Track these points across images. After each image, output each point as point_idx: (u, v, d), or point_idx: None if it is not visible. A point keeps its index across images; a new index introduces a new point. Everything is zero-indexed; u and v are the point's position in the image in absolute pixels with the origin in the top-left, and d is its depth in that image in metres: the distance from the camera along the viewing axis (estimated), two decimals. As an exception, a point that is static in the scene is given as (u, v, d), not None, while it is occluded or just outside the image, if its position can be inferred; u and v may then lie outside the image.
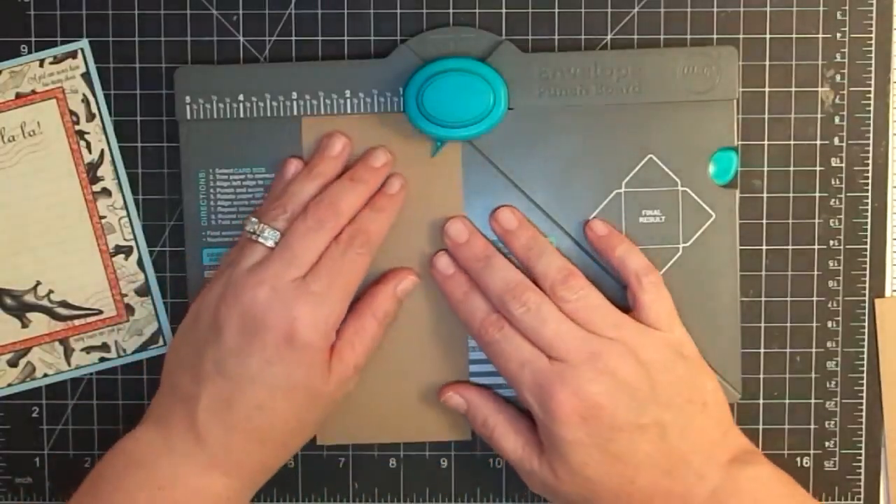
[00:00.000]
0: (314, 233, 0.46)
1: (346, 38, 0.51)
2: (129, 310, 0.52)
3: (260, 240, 0.46)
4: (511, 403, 0.50)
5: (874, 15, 0.51)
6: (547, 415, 0.45)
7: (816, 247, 0.52)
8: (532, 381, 0.45)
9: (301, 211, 0.47)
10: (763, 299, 0.52)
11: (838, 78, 0.51)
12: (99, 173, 0.52)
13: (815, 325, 0.52)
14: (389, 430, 0.51)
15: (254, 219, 0.47)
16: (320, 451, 0.53)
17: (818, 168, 0.52)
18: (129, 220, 0.52)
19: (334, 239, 0.46)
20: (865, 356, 0.52)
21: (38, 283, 0.52)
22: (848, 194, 0.52)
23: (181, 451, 0.45)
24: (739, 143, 0.51)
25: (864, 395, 0.52)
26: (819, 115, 0.51)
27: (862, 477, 0.52)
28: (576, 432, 0.44)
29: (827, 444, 0.52)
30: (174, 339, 0.48)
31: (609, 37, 0.51)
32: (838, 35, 0.51)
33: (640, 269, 0.48)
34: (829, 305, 0.52)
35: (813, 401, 0.52)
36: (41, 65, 0.51)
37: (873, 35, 0.51)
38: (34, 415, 0.53)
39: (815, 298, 0.52)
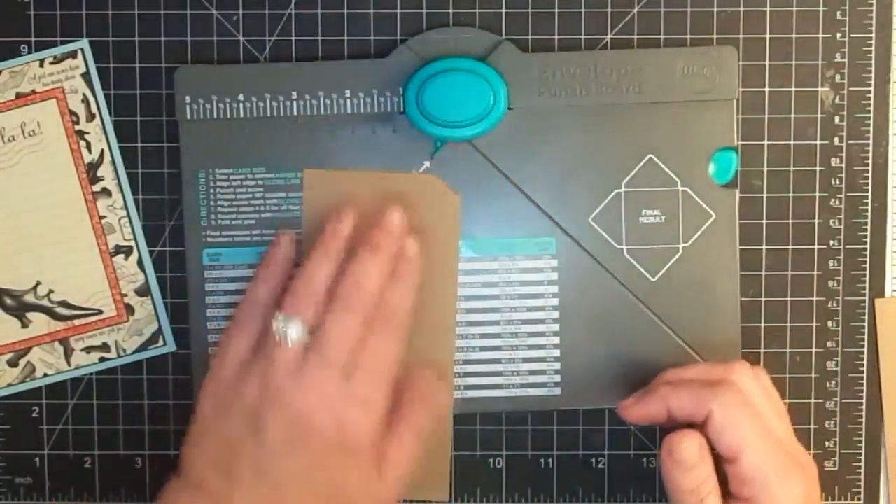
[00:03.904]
0: (346, 321, 0.44)
1: (346, 38, 0.51)
2: (129, 310, 0.52)
3: (290, 339, 0.44)
4: None
5: (874, 15, 0.51)
6: None
7: (816, 247, 0.52)
8: None
9: (325, 296, 0.45)
10: (763, 299, 0.52)
11: (838, 78, 0.51)
12: (99, 173, 0.52)
13: (815, 325, 0.52)
14: None
15: (280, 315, 0.44)
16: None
17: (818, 168, 0.52)
18: (129, 220, 0.52)
19: (369, 325, 0.45)
20: (865, 356, 0.52)
21: (38, 283, 0.52)
22: (848, 194, 0.52)
23: None
24: (739, 143, 0.51)
25: (864, 395, 0.52)
26: (819, 115, 0.51)
27: (862, 477, 0.52)
28: None
29: (827, 444, 0.52)
30: (193, 429, 0.45)
31: (609, 37, 0.51)
32: (838, 35, 0.51)
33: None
34: (829, 305, 0.52)
35: (813, 401, 0.52)
36: (41, 65, 0.51)
37: (873, 35, 0.51)
38: (34, 415, 0.53)
39: (815, 298, 0.52)
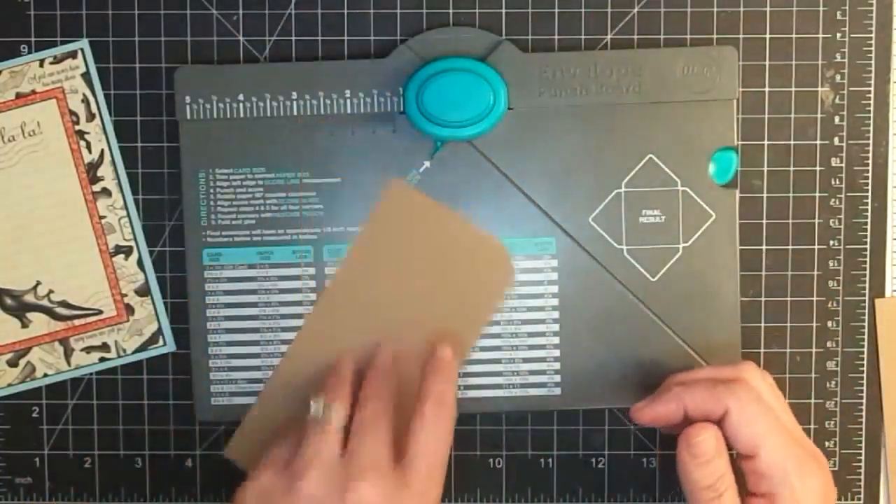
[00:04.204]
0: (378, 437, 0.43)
1: (346, 38, 0.51)
2: (129, 310, 0.52)
3: (333, 421, 0.44)
4: None
5: (874, 15, 0.51)
6: None
7: (816, 247, 0.52)
8: None
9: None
10: (763, 299, 0.52)
11: (838, 78, 0.51)
12: (99, 173, 0.52)
13: (815, 325, 0.52)
14: None
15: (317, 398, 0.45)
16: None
17: (818, 168, 0.52)
18: (129, 220, 0.52)
19: (417, 413, 0.44)
20: (865, 356, 0.52)
21: (38, 283, 0.52)
22: (848, 194, 0.52)
23: None
24: (739, 143, 0.51)
25: (864, 395, 0.52)
26: (819, 115, 0.51)
27: (862, 477, 0.52)
28: None
29: (827, 444, 0.52)
30: None
31: (609, 37, 0.51)
32: (838, 35, 0.51)
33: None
34: (829, 305, 0.52)
35: (813, 401, 0.52)
36: (41, 65, 0.51)
37: (873, 35, 0.51)
38: (34, 415, 0.53)
39: (815, 298, 0.52)
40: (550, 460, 0.52)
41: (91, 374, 0.52)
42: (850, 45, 0.51)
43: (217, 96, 0.50)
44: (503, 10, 0.51)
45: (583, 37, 0.51)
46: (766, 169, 0.51)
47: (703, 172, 0.50)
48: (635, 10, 0.51)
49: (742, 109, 0.51)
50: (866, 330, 0.52)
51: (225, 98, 0.50)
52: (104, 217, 0.52)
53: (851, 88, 0.51)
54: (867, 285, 0.52)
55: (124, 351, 0.52)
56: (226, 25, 0.51)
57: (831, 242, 0.52)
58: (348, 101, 0.50)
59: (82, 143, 0.51)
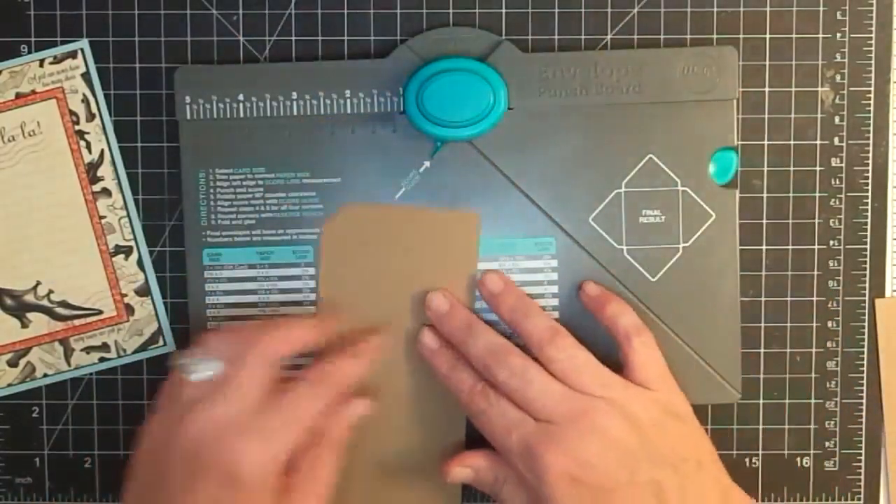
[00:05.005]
0: (261, 371, 0.43)
1: (346, 38, 0.51)
2: (129, 310, 0.52)
3: (195, 375, 0.43)
4: None
5: (874, 15, 0.51)
6: (537, 479, 0.43)
7: (816, 247, 0.52)
8: (520, 445, 0.44)
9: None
10: (763, 299, 0.52)
11: (838, 78, 0.51)
12: (99, 173, 0.52)
13: (815, 325, 0.52)
14: None
15: (195, 353, 0.44)
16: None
17: (818, 168, 0.52)
18: (129, 220, 0.52)
19: (304, 373, 0.45)
20: (865, 356, 0.52)
21: (38, 283, 0.52)
22: (848, 194, 0.52)
23: None
24: (739, 143, 0.51)
25: (864, 395, 0.52)
26: (819, 115, 0.51)
27: (862, 477, 0.52)
28: (566, 495, 0.43)
29: (827, 444, 0.52)
30: (129, 470, 0.44)
31: (609, 37, 0.51)
32: (838, 35, 0.51)
33: (630, 328, 0.47)
34: (829, 305, 0.52)
35: (813, 401, 0.52)
36: (41, 65, 0.51)
37: (873, 35, 0.51)
38: (34, 415, 0.53)
39: (815, 298, 0.52)
40: (550, 460, 0.52)
41: (91, 374, 0.52)
42: (850, 45, 0.51)
43: (217, 96, 0.50)
44: (503, 10, 0.51)
45: (583, 37, 0.51)
46: (766, 169, 0.51)
47: (703, 172, 0.50)
48: (635, 10, 0.51)
49: (742, 109, 0.51)
50: (866, 330, 0.52)
51: (225, 98, 0.50)
52: (104, 217, 0.52)
53: (851, 88, 0.51)
54: (867, 285, 0.52)
55: (124, 351, 0.52)
56: (226, 25, 0.51)
57: (831, 242, 0.52)
58: (348, 101, 0.50)
59: (82, 143, 0.51)
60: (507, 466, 0.46)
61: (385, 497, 0.51)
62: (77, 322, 0.52)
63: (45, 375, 0.52)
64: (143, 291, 0.52)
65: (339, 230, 0.50)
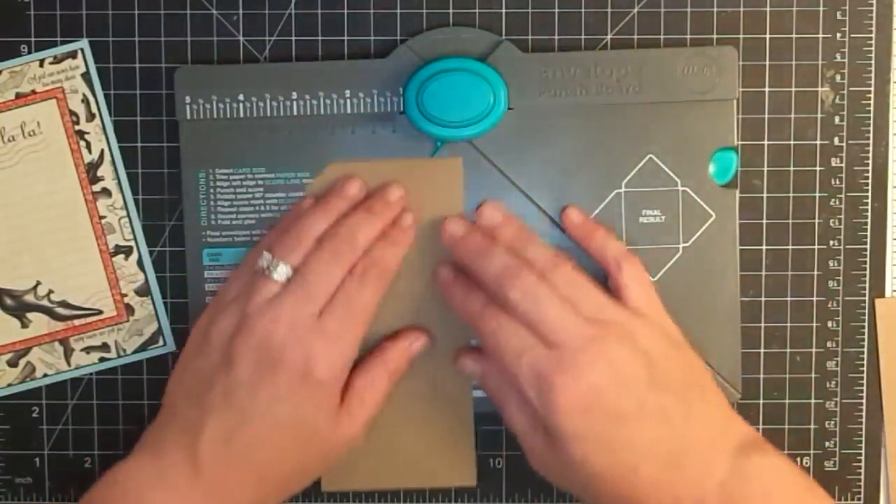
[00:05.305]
0: (330, 266, 0.46)
1: (346, 38, 0.51)
2: (129, 310, 0.52)
3: (274, 275, 0.46)
4: None
5: (874, 15, 0.51)
6: (547, 405, 0.43)
7: (816, 247, 0.52)
8: (529, 370, 0.44)
9: (314, 245, 0.46)
10: (763, 299, 0.52)
11: (838, 78, 0.51)
12: (99, 173, 0.52)
13: (815, 325, 0.52)
14: (394, 477, 0.51)
15: (267, 253, 0.46)
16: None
17: (818, 168, 0.52)
18: (129, 220, 0.52)
19: (349, 272, 0.46)
20: (865, 356, 0.52)
21: (38, 283, 0.52)
22: (848, 194, 0.52)
23: (176, 483, 0.44)
24: (739, 143, 0.51)
25: (864, 395, 0.52)
26: (819, 115, 0.51)
27: (862, 477, 0.52)
28: (577, 423, 0.43)
29: (827, 444, 0.52)
30: (176, 366, 0.48)
31: (609, 37, 0.51)
32: (838, 35, 0.51)
33: (619, 254, 0.47)
34: (829, 305, 0.52)
35: (813, 401, 0.52)
36: (41, 65, 0.51)
37: (873, 35, 0.51)
38: (34, 415, 0.53)
39: (815, 298, 0.52)
40: (550, 460, 0.52)
41: (91, 374, 0.52)
42: (850, 45, 0.51)
43: (217, 96, 0.50)
44: (503, 10, 0.51)
45: (583, 37, 0.51)
46: (766, 169, 0.51)
47: (703, 172, 0.50)
48: (635, 10, 0.51)
49: (742, 109, 0.51)
50: (866, 330, 0.52)
51: (225, 98, 0.50)
52: (104, 217, 0.52)
53: (851, 88, 0.51)
54: (867, 285, 0.52)
55: (124, 351, 0.52)
56: (226, 25, 0.51)
57: (831, 242, 0.52)
58: (348, 101, 0.50)
59: (82, 143, 0.51)
60: (512, 387, 0.47)
61: (398, 464, 0.51)
62: (77, 322, 0.52)
63: (45, 375, 0.52)
64: (143, 291, 0.52)
65: (325, 188, 0.50)
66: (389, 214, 0.48)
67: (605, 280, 0.48)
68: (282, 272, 0.46)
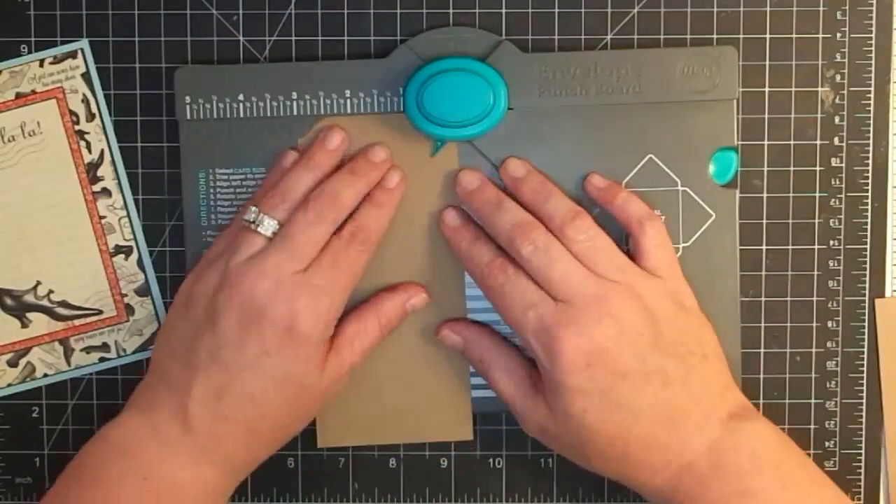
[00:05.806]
0: (315, 225, 0.46)
1: (346, 38, 0.51)
2: (129, 310, 0.52)
3: (259, 229, 0.46)
4: (508, 341, 0.49)
5: (874, 15, 0.51)
6: (551, 359, 0.44)
7: (816, 247, 0.52)
8: (537, 324, 0.44)
9: (300, 201, 0.47)
10: (763, 299, 0.52)
11: (838, 78, 0.51)
12: (99, 173, 0.52)
13: (815, 325, 0.52)
14: (390, 432, 0.51)
15: (253, 207, 0.47)
16: (320, 452, 0.53)
17: (818, 168, 0.52)
18: (129, 220, 0.52)
19: (335, 233, 0.46)
20: (865, 356, 0.52)
21: (38, 283, 0.52)
22: (848, 194, 0.52)
23: (167, 439, 0.45)
24: (739, 143, 0.51)
25: (864, 395, 0.52)
26: (819, 115, 0.51)
27: (862, 477, 0.52)
28: (579, 378, 0.44)
29: (827, 444, 0.52)
30: (164, 325, 0.48)
31: (609, 37, 0.51)
32: (838, 35, 0.51)
33: (642, 214, 0.48)
34: (829, 305, 0.52)
35: (813, 401, 0.52)
36: (41, 65, 0.51)
37: (873, 35, 0.51)
38: (34, 415, 0.53)
39: (815, 298, 0.52)
40: (550, 460, 0.52)
41: (91, 374, 0.52)
42: (850, 45, 0.51)
43: (217, 96, 0.50)
44: (503, 10, 0.51)
45: (583, 37, 0.51)
46: (766, 169, 0.51)
47: (703, 172, 0.50)
48: (635, 10, 0.51)
49: (742, 109, 0.51)
50: (866, 330, 0.52)
51: (225, 98, 0.50)
52: (104, 217, 0.52)
53: (851, 88, 0.51)
54: (867, 285, 0.52)
55: (124, 351, 0.52)
56: (226, 25, 0.51)
57: (831, 242, 0.52)
58: (348, 101, 0.50)
59: (82, 143, 0.51)
60: (495, 351, 0.48)
61: (394, 419, 0.51)
62: (77, 322, 0.52)
63: (45, 375, 0.52)
64: (143, 291, 0.52)
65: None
66: (375, 174, 0.48)
67: (626, 242, 0.48)
68: (268, 226, 0.46)
